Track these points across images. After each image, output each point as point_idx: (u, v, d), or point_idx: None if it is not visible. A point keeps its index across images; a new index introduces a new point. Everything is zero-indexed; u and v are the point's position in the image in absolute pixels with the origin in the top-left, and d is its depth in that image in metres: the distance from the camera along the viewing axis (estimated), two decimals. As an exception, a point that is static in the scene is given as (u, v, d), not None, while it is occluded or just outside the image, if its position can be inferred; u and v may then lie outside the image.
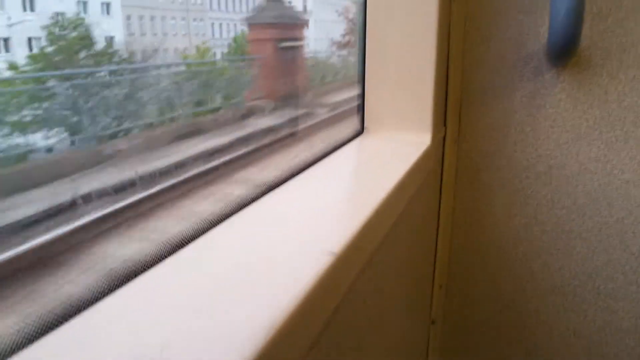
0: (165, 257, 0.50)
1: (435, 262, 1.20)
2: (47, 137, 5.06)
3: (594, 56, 1.00)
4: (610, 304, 1.12)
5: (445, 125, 1.09)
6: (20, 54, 7.58)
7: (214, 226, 0.57)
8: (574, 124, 1.05)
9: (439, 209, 1.17)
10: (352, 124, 1.02)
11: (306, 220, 0.59)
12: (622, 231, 1.07)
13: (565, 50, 0.98)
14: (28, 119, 5.05)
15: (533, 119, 1.07)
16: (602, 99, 1.02)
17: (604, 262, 1.10)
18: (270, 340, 0.37)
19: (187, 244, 0.53)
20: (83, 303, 0.41)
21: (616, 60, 0.99)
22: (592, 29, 0.99)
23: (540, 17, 1.00)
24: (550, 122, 1.06)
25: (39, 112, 5.13)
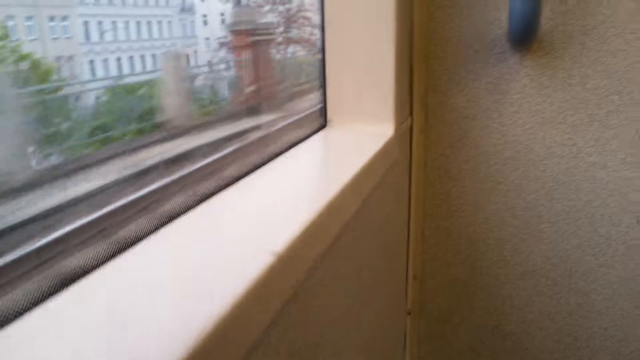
0: (116, 254, 0.49)
1: (408, 252, 1.20)
2: None
3: (556, 40, 1.00)
4: (582, 286, 1.13)
5: (411, 115, 1.08)
6: None
7: (165, 223, 0.56)
8: (538, 109, 1.05)
9: (410, 198, 1.16)
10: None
11: (255, 218, 0.58)
12: (590, 214, 1.07)
13: (526, 35, 0.97)
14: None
15: (499, 104, 1.07)
16: (566, 83, 1.02)
17: (574, 245, 1.11)
18: (203, 339, 0.36)
19: (136, 241, 0.52)
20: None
21: (578, 43, 0.99)
22: (552, 11, 0.98)
23: (501, 2, 0.99)
24: (516, 108, 1.06)
25: None
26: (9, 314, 0.40)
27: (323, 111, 0.98)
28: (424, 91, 1.10)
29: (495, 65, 1.05)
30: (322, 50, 0.96)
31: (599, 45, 0.98)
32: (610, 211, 1.06)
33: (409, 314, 1.25)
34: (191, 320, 0.37)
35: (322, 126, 0.98)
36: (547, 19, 0.99)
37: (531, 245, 1.13)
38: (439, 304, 1.26)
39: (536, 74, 1.03)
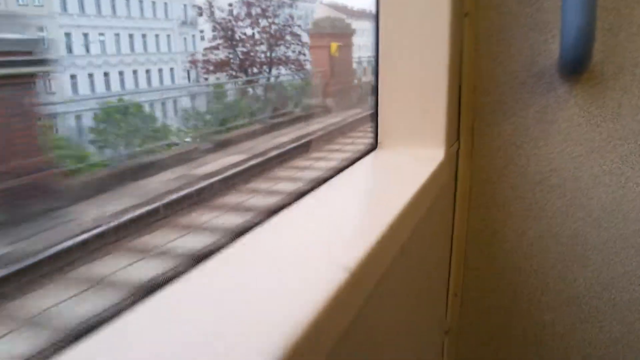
0: (185, 272, 0.52)
1: (449, 273, 1.21)
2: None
3: (607, 71, 1.01)
4: (627, 315, 1.12)
5: (458, 140, 1.11)
6: None
7: (232, 241, 0.60)
8: (587, 138, 1.06)
9: (453, 222, 1.18)
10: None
11: (322, 236, 0.61)
12: (637, 243, 1.07)
13: (577, 66, 0.99)
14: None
15: (546, 133, 1.08)
16: (616, 113, 1.03)
17: (619, 273, 1.10)
18: (282, 355, 0.39)
19: (206, 258, 0.56)
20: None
21: (629, 74, 1.00)
22: (604, 44, 1.00)
23: (551, 34, 1.02)
24: (564, 136, 1.07)
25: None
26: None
27: (374, 133, 1.02)
28: (471, 117, 1.13)
29: (543, 94, 1.07)
30: (376, 76, 1.00)
31: None
32: None
33: (447, 333, 1.26)
34: (269, 334, 0.41)
35: (373, 148, 1.02)
36: (598, 51, 1.00)
37: (575, 272, 1.14)
38: (478, 326, 1.27)
39: (585, 103, 1.04)
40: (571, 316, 1.17)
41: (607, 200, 1.07)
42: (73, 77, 11.46)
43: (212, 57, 12.51)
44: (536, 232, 1.14)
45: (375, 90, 1.01)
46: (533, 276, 1.18)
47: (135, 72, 13.02)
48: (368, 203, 0.79)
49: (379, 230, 0.60)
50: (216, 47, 12.47)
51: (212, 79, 12.54)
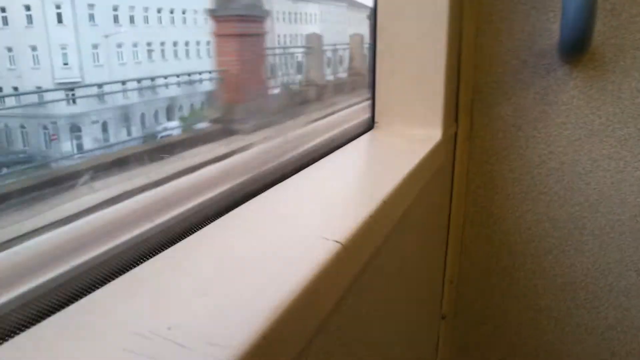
0: (177, 240, 0.52)
1: (446, 257, 1.21)
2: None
3: (607, 53, 1.00)
4: (623, 301, 1.12)
5: (456, 121, 1.09)
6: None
7: (223, 214, 0.59)
8: (586, 121, 1.05)
9: (450, 205, 1.17)
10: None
11: (313, 210, 0.60)
12: (635, 229, 1.06)
13: (577, 47, 0.98)
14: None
15: (545, 115, 1.07)
16: (615, 96, 1.01)
17: (616, 259, 1.10)
18: (270, 325, 0.38)
19: (197, 229, 0.55)
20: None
21: (630, 57, 0.99)
22: (605, 25, 0.98)
23: (553, 13, 1.00)
24: (563, 119, 1.06)
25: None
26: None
27: (371, 113, 1.00)
28: (470, 99, 1.12)
29: (543, 76, 1.05)
30: (373, 55, 0.99)
31: None
32: None
33: (444, 318, 1.26)
34: (257, 305, 0.40)
35: (369, 128, 1.01)
36: (598, 32, 0.99)
37: (572, 257, 1.13)
38: (474, 311, 1.27)
39: (585, 86, 1.03)
40: (567, 301, 1.16)
41: (605, 185, 1.06)
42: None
43: None
44: (534, 215, 1.14)
45: (372, 68, 0.99)
46: (530, 260, 1.17)
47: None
48: (361, 180, 0.78)
49: (372, 205, 0.60)
50: None
51: None
